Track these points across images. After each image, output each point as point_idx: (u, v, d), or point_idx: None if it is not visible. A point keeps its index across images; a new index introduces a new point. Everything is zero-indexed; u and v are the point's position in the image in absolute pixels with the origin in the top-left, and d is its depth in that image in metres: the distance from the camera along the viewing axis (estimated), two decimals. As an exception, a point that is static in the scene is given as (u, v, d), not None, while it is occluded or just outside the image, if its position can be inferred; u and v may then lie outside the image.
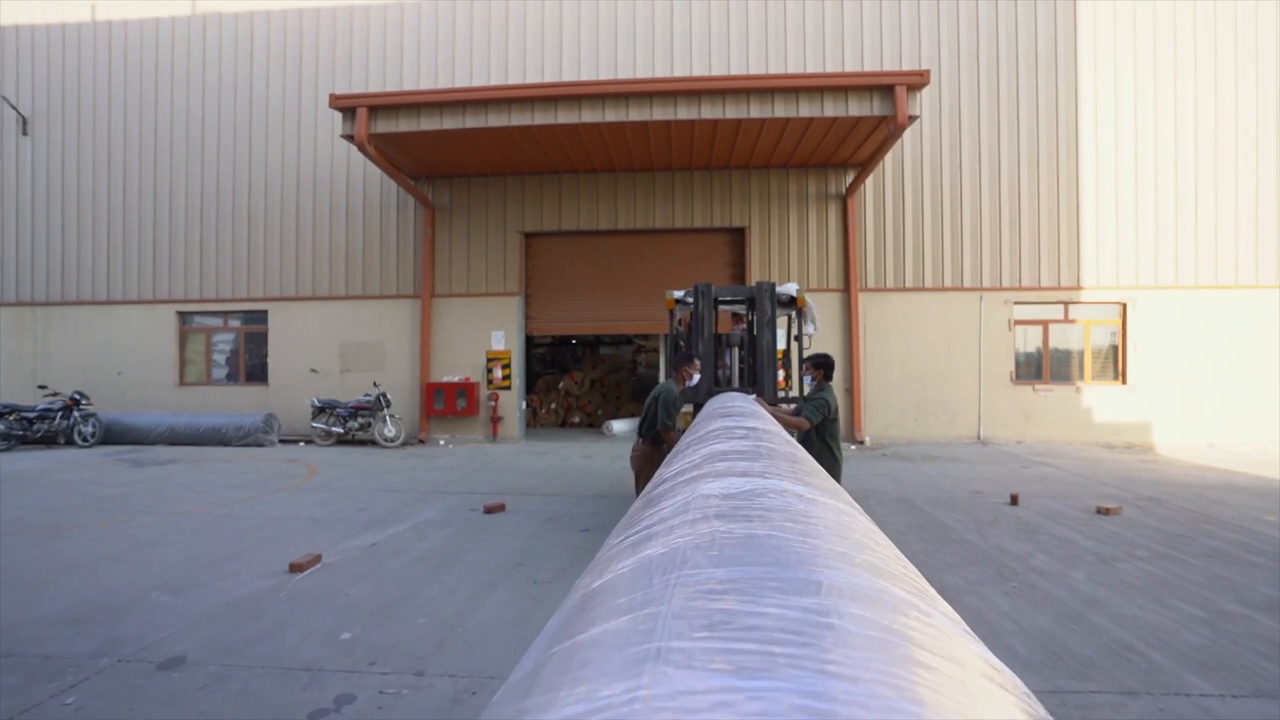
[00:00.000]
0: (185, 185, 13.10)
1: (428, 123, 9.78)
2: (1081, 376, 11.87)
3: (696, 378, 4.92)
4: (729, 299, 5.97)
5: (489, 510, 6.57)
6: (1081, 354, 11.90)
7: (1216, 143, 11.67)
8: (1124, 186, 11.74)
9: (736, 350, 5.67)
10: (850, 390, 11.53)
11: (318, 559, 4.84)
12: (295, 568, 4.61)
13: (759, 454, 1.55)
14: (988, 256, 11.78)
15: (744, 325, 6.16)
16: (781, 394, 6.18)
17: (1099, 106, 11.77)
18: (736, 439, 1.73)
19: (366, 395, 11.91)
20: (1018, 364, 11.81)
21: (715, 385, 5.89)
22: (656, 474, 1.66)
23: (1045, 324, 11.85)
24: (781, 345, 6.62)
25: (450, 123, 9.76)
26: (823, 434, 4.55)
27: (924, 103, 11.51)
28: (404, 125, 9.82)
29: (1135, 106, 11.75)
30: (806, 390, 5.08)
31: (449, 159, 11.66)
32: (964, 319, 11.72)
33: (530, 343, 19.46)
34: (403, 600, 4.16)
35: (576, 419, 14.64)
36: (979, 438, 11.67)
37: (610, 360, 15.50)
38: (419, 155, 11.41)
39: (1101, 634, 3.68)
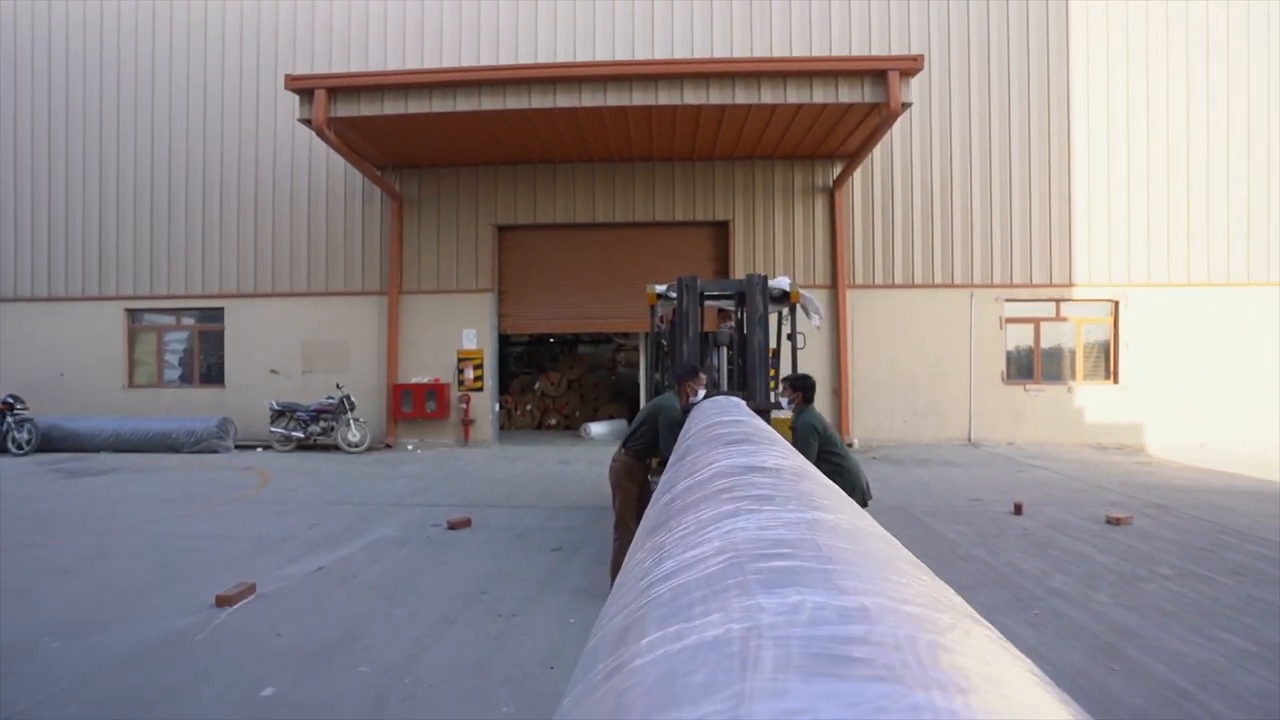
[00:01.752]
0: (134, 174, 12.28)
1: (392, 106, 9.14)
2: (1073, 376, 11.56)
3: (701, 394, 4.30)
4: (716, 294, 5.46)
5: (453, 526, 5.99)
6: (1073, 353, 11.60)
7: (1209, 138, 11.42)
8: (1116, 182, 11.45)
9: (724, 350, 5.16)
10: (838, 391, 11.10)
11: (250, 589, 4.23)
12: (222, 601, 4.00)
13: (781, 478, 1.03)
14: (978, 253, 11.42)
15: (732, 323, 5.65)
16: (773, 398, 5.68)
17: (1091, 101, 11.46)
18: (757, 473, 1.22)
19: (329, 398, 11.23)
20: (1009, 363, 11.47)
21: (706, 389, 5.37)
22: (654, 515, 1.15)
23: (1036, 322, 11.53)
24: (772, 344, 6.13)
25: (416, 106, 9.13)
26: (823, 460, 3.99)
27: (914, 94, 11.08)
28: (366, 109, 9.16)
29: (1127, 102, 11.46)
30: (783, 412, 4.56)
31: (417, 147, 11.01)
32: (954, 317, 11.35)
33: (505, 342, 18.82)
34: (344, 641, 3.58)
35: (553, 421, 14.06)
36: (969, 439, 11.31)
37: (588, 360, 14.93)
38: (384, 143, 10.75)
39: (1146, 675, 3.22)
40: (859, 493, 4.00)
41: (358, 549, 5.34)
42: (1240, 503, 7.20)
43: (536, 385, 14.31)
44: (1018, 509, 6.48)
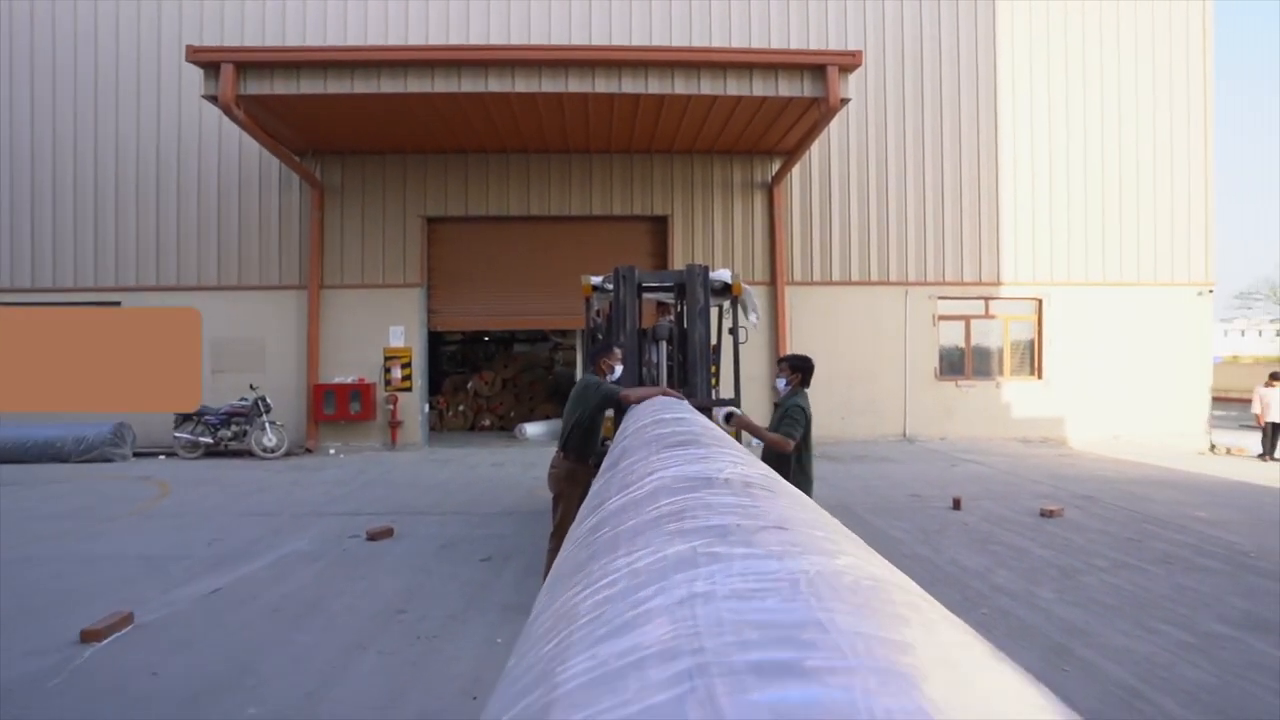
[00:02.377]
0: (11, 154, 11.08)
1: (309, 85, 8.49)
2: (1001, 372, 11.89)
3: (619, 370, 4.09)
4: (655, 285, 5.20)
5: (373, 537, 5.52)
6: (1001, 350, 11.93)
7: (1129, 143, 11.94)
8: (1040, 184, 11.84)
9: (664, 345, 4.90)
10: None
11: (126, 620, 3.69)
12: (89, 636, 3.46)
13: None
14: (912, 251, 11.60)
15: (672, 317, 5.40)
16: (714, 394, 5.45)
17: (1016, 105, 11.80)
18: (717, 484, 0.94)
19: (243, 399, 10.40)
20: (941, 360, 11.69)
21: (640, 386, 5.09)
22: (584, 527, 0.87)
23: (967, 319, 11.80)
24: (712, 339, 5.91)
25: (336, 86, 8.51)
26: (800, 451, 3.84)
27: (852, 91, 11.13)
28: (281, 87, 8.48)
29: (1049, 107, 11.86)
30: (778, 396, 4.34)
31: (339, 132, 10.32)
32: (889, 314, 11.49)
33: (438, 340, 18.12)
34: (233, 677, 3.12)
35: (487, 422, 13.54)
36: (905, 435, 11.47)
37: (524, 359, 14.44)
38: (303, 126, 10.03)
39: (1098, 674, 3.13)
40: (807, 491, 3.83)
41: (262, 566, 4.82)
42: (1156, 491, 7.47)
43: (470, 385, 13.76)
44: (956, 504, 6.49)
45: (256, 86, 8.40)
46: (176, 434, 10.09)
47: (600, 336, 5.66)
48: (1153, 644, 3.46)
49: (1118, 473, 8.72)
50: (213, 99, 8.31)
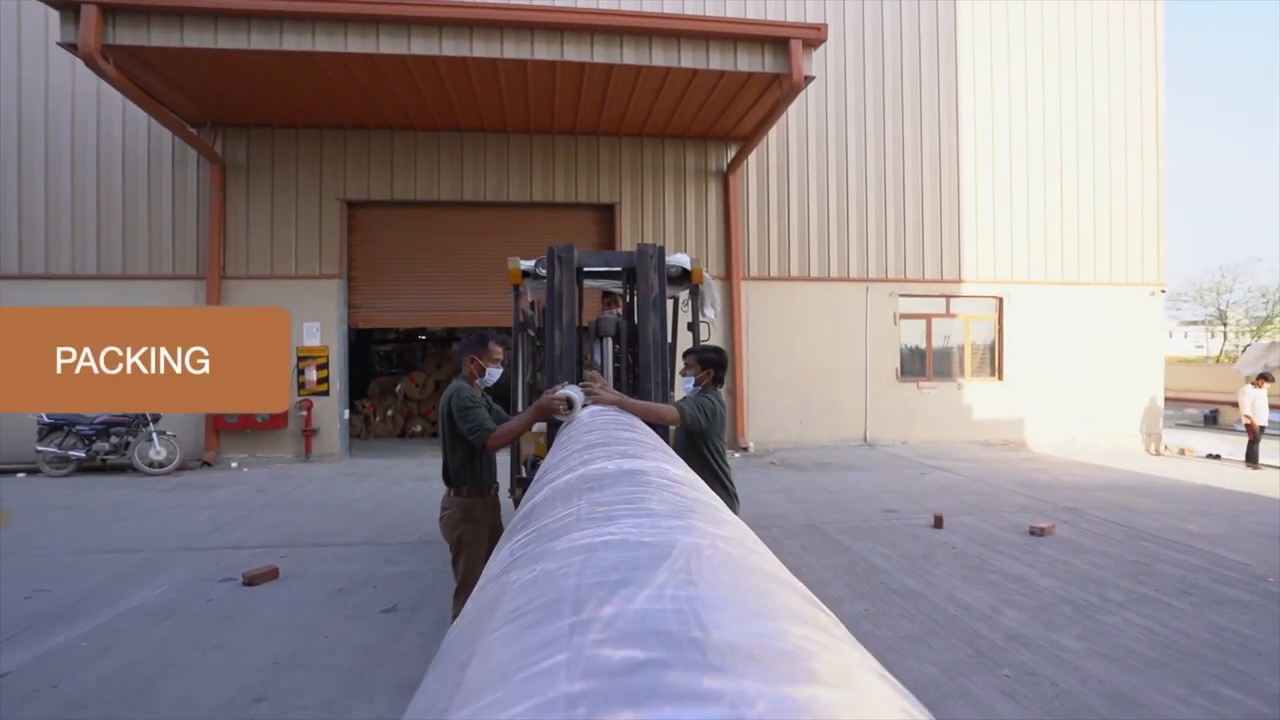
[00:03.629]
0: None
1: (195, 38, 7.24)
2: (962, 373, 11.46)
3: (494, 373, 3.14)
4: (599, 271, 4.30)
5: (250, 581, 4.44)
6: (962, 350, 11.50)
7: (1094, 141, 11.69)
8: (1000, 180, 11.46)
9: (609, 342, 4.01)
10: (733, 390, 10.29)
11: None
12: None
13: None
14: (873, 246, 11.03)
15: (619, 310, 4.51)
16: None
17: (977, 100, 11.39)
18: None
19: (125, 406, 8.98)
20: (902, 360, 11.17)
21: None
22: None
23: (928, 318, 11.31)
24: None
25: (229, 41, 7.29)
26: (701, 447, 3.06)
27: (809, 92, 10.49)
28: (159, 38, 7.20)
29: (1009, 103, 11.50)
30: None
31: (242, 100, 9.04)
32: (850, 312, 10.89)
33: (369, 339, 16.78)
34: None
35: (418, 428, 12.36)
36: (865, 439, 10.89)
37: (458, 359, 13.27)
38: (198, 91, 8.71)
39: (1178, 775, 2.39)
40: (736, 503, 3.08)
41: (87, 631, 3.70)
42: (1135, 500, 7.02)
43: (398, 388, 12.54)
44: (938, 522, 5.82)
45: (129, 36, 7.10)
46: (40, 447, 8.62)
47: (532, 333, 4.72)
48: (1227, 716, 2.76)
49: (1088, 479, 8.28)
50: (71, 47, 6.97)
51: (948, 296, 11.37)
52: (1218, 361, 25.12)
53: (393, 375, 13.72)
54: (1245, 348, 21.48)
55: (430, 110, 9.43)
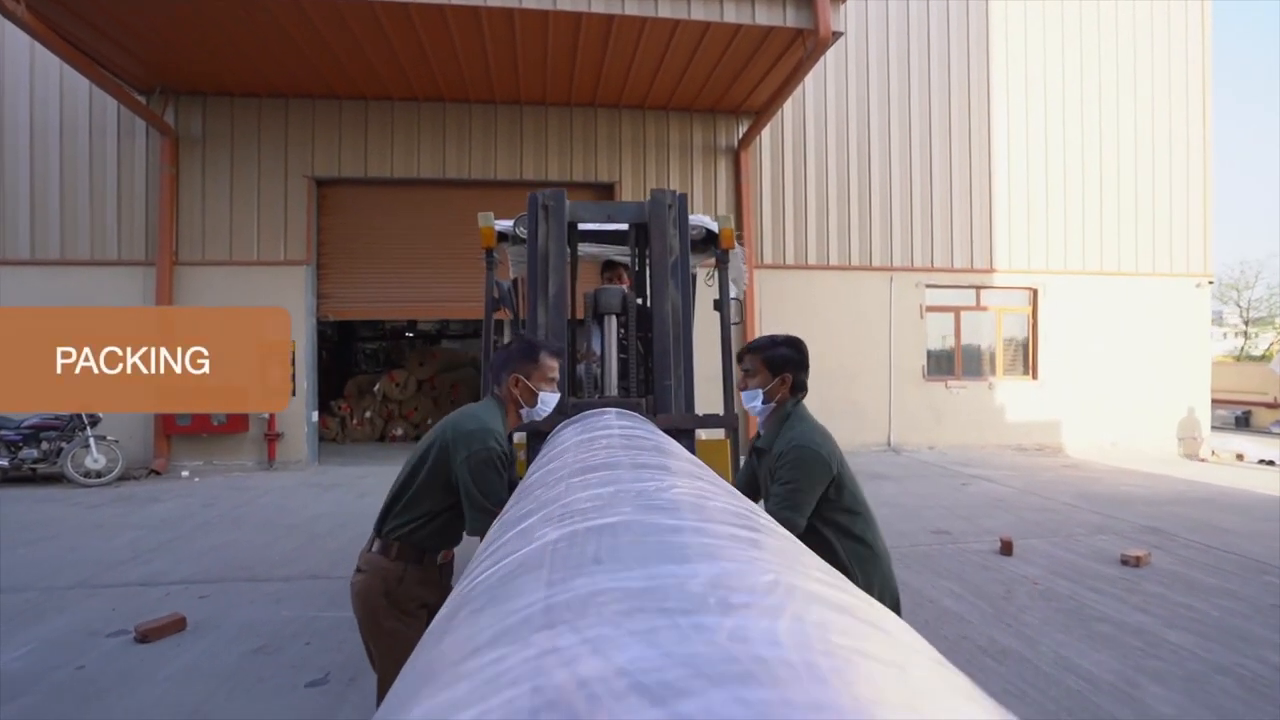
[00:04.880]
0: None
1: (127, -19, 6.22)
2: (993, 371, 10.48)
3: (551, 401, 2.12)
4: (598, 230, 3.28)
5: (145, 636, 3.42)
6: (993, 346, 10.52)
7: (1135, 122, 10.72)
8: (1035, 161, 10.49)
9: (613, 323, 3.00)
10: (725, 387, 9.27)
11: None
12: None
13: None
14: (897, 232, 10.04)
15: (627, 284, 3.51)
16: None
17: (1010, 80, 10.41)
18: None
19: (61, 407, 7.95)
20: (929, 357, 10.18)
21: (574, 393, 3.19)
22: None
23: (957, 311, 10.33)
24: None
25: (167, -15, 6.28)
26: (830, 518, 1.92)
27: (829, 60, 9.49)
28: (84, -20, 6.18)
29: (1046, 77, 10.52)
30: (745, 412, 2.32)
31: (196, 64, 8.02)
32: (873, 304, 9.90)
33: (350, 335, 15.75)
34: None
35: (399, 431, 11.33)
36: (889, 444, 9.91)
37: (443, 356, 12.20)
38: (142, 50, 7.70)
39: None
40: (890, 596, 1.97)
41: (-111, 720, 2.67)
42: (1218, 516, 6.05)
43: (376, 387, 11.50)
44: (1006, 548, 4.82)
45: (47, -25, 6.08)
46: (-42, 455, 7.58)
47: (512, 316, 3.69)
48: None
49: (1150, 489, 7.31)
50: (-25, -13, 5.94)
51: (978, 287, 10.39)
52: (1237, 360, 24.25)
53: (373, 374, 12.68)
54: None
55: (408, 77, 8.42)
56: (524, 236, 3.10)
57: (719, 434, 3.60)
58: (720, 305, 3.39)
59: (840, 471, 1.96)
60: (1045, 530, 5.48)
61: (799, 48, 7.48)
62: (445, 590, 1.94)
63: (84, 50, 7.35)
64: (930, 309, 10.15)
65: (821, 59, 7.64)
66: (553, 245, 2.78)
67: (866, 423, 9.81)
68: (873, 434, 9.84)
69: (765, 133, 9.52)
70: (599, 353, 3.12)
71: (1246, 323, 27.12)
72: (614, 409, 2.25)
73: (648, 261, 3.06)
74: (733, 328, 3.48)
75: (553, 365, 2.10)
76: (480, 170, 9.21)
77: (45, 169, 8.60)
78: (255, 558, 4.89)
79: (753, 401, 2.09)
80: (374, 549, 1.94)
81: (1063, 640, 3.36)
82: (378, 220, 9.21)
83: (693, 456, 1.42)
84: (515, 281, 4.13)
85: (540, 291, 2.75)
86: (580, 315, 3.32)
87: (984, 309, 10.43)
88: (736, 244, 3.44)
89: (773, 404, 2.07)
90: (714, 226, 3.40)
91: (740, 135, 9.58)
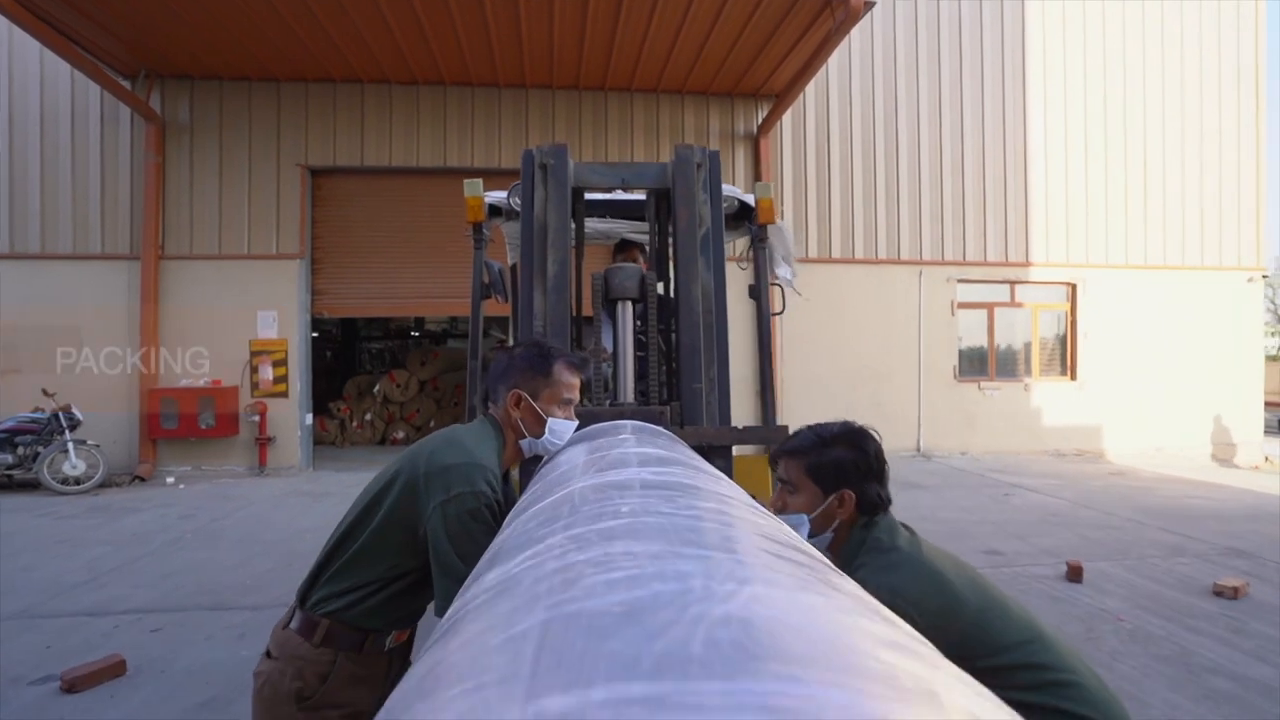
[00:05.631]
0: None
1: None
2: (1029, 372, 9.84)
3: (564, 431, 1.52)
4: (609, 200, 2.71)
5: (73, 686, 2.89)
6: (1029, 345, 9.87)
7: (1183, 105, 10.03)
8: (1074, 148, 9.83)
9: (628, 310, 2.42)
10: (764, 392, 8.69)
11: None
12: None
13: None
14: (927, 223, 9.43)
15: (645, 264, 2.94)
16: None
17: (1048, 56, 9.76)
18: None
19: (40, 411, 7.49)
20: (961, 357, 9.55)
21: (580, 397, 2.62)
22: None
23: (990, 307, 9.70)
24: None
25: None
26: (1017, 699, 0.99)
27: (853, 39, 8.88)
28: (50, -53, 5.70)
29: (1086, 59, 9.85)
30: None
31: (182, 45, 7.55)
32: (901, 300, 9.29)
33: (353, 334, 15.30)
34: None
35: (400, 434, 10.82)
36: (919, 449, 9.29)
37: (445, 356, 11.66)
38: (125, 31, 7.24)
39: None
40: None
41: None
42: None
43: (376, 388, 10.99)
44: (1075, 574, 4.21)
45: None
46: (-73, 460, 7.13)
47: (501, 299, 3.12)
48: None
49: (1216, 503, 6.66)
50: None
51: (1013, 282, 9.75)
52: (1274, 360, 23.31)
53: (374, 374, 12.19)
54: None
55: (406, 58, 7.90)
56: (517, 208, 2.54)
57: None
58: (757, 292, 2.81)
59: (981, 609, 1.21)
60: (1113, 552, 4.86)
61: (826, 20, 6.89)
62: (389, 689, 1.34)
63: (62, 31, 6.90)
64: (962, 305, 9.52)
65: (845, 38, 7.05)
66: (553, 215, 2.22)
67: (894, 426, 9.19)
68: (901, 438, 9.23)
69: (786, 118, 8.95)
70: (611, 349, 2.55)
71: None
72: (630, 422, 1.69)
73: (670, 238, 2.49)
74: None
75: (572, 382, 1.55)
76: (484, 158, 8.68)
77: (24, 159, 8.16)
78: (224, 581, 4.36)
79: (799, 526, 1.36)
80: (292, 625, 1.37)
81: (1175, 701, 2.76)
82: (375, 211, 8.70)
83: (764, 511, 0.87)
84: (514, 267, 3.58)
85: (537, 272, 2.19)
86: (587, 308, 2.76)
87: (1019, 305, 9.79)
88: (779, 218, 2.87)
89: (829, 534, 1.38)
90: (746, 198, 2.83)
91: (760, 120, 9.00)
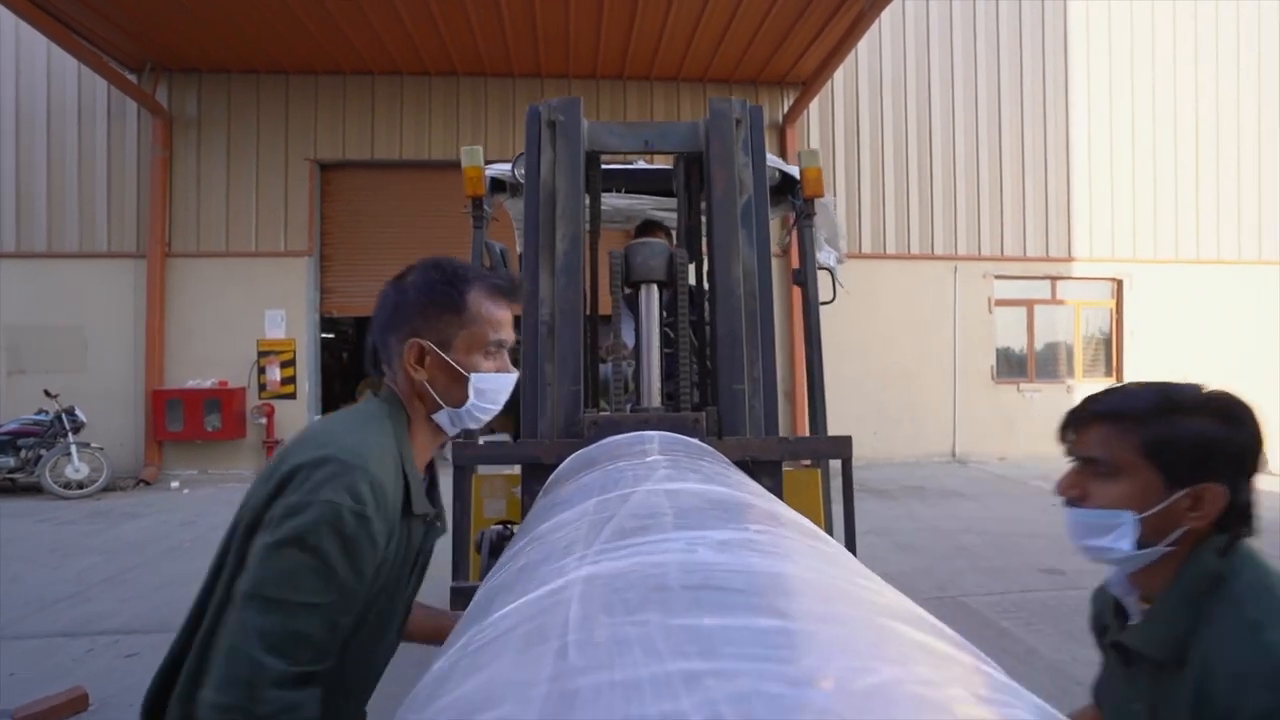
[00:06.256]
0: None
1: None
2: (1071, 373, 9.31)
3: (497, 385, 1.08)
4: (629, 169, 2.35)
5: (27, 723, 2.58)
6: (1071, 344, 9.34)
7: (1238, 90, 9.44)
8: (1120, 137, 9.28)
9: (654, 295, 2.06)
10: (791, 394, 8.30)
11: None
12: None
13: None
14: (963, 216, 8.95)
15: (673, 242, 2.57)
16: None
17: (1092, 43, 9.23)
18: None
19: (42, 413, 7.29)
20: (998, 357, 9.06)
21: (594, 403, 2.26)
22: None
23: (1030, 305, 9.19)
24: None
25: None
26: None
27: (884, 22, 8.44)
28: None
29: (1133, 47, 9.30)
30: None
31: (188, 37, 7.32)
32: (935, 297, 8.82)
33: (360, 332, 15.03)
34: None
35: (413, 438, 10.51)
36: (954, 454, 8.81)
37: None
38: (132, 25, 7.04)
39: None
40: None
41: None
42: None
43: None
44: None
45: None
46: (-74, 464, 6.95)
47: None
48: None
49: (1274, 512, 6.11)
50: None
51: (1054, 278, 9.23)
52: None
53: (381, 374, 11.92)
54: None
55: (418, 49, 7.62)
56: (520, 180, 2.18)
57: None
58: (802, 277, 2.43)
59: None
60: (1187, 571, 4.39)
61: (855, 2, 6.48)
62: None
63: (69, 25, 6.72)
64: (999, 302, 9.02)
65: (875, 20, 6.64)
66: (562, 181, 1.85)
67: (928, 430, 8.73)
68: (935, 443, 8.76)
69: (813, 106, 8.53)
70: (632, 344, 2.17)
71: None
72: (657, 435, 1.32)
73: (704, 212, 2.11)
74: (832, 299, 2.52)
75: (498, 316, 1.07)
76: (497, 150, 8.31)
77: (30, 156, 7.99)
78: (215, 597, 4.05)
79: (1100, 539, 0.92)
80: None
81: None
82: (386, 206, 8.42)
83: (854, 560, 0.49)
84: (521, 256, 3.22)
85: (544, 250, 1.82)
86: (604, 304, 2.39)
87: (1061, 302, 9.27)
88: (827, 192, 2.48)
89: (1163, 548, 0.89)
90: (790, 169, 2.45)
91: (786, 109, 8.60)
